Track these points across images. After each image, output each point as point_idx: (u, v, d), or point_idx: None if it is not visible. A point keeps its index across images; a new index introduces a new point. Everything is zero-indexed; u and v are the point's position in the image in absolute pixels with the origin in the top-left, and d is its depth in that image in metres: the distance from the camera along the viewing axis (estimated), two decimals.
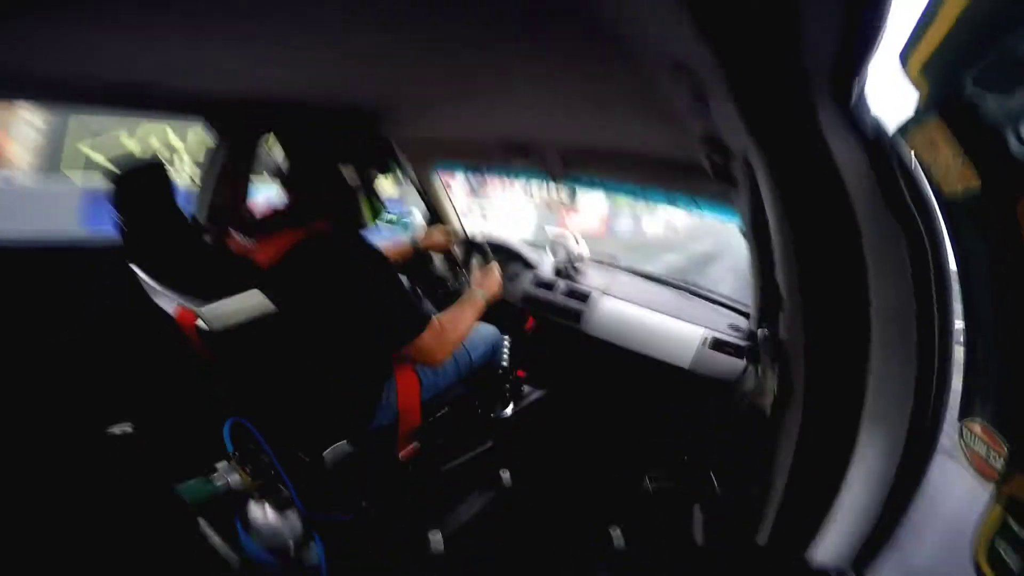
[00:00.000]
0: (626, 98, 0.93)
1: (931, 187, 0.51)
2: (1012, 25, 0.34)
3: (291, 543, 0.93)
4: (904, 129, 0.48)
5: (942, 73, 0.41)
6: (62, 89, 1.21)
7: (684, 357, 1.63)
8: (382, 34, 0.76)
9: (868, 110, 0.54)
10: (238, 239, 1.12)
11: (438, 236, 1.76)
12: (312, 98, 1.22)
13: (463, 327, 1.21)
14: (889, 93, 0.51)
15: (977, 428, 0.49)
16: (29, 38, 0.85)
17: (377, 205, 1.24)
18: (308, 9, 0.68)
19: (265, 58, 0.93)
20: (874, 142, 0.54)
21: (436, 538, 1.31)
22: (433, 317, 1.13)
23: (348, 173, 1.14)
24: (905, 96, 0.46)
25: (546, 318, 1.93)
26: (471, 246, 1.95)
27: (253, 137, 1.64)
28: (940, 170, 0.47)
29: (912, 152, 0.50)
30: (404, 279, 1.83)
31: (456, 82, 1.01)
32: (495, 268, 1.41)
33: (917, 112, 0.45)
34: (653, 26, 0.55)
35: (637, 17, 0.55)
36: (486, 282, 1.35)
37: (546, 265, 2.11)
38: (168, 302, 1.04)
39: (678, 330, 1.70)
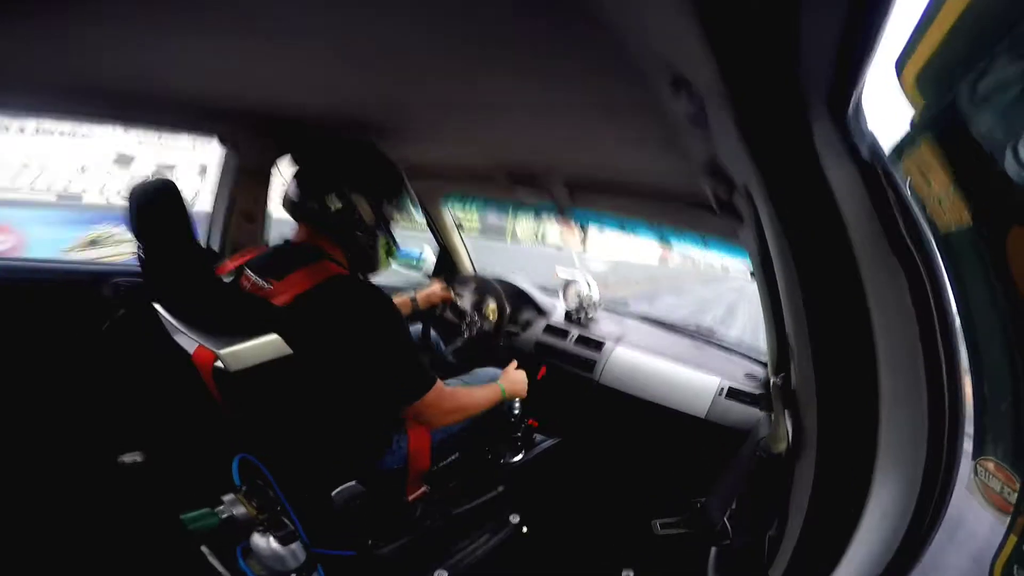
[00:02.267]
0: (632, 126, 0.96)
1: (926, 221, 0.52)
2: (1006, 38, 0.35)
3: (293, 575, 0.90)
4: (898, 153, 0.49)
5: (936, 86, 0.42)
6: (76, 103, 1.24)
7: (699, 407, 1.61)
8: (392, 53, 0.79)
9: (864, 129, 0.54)
10: (252, 279, 1.11)
11: (436, 291, 1.79)
12: (322, 116, 1.25)
13: (470, 404, 1.21)
14: (887, 110, 0.51)
15: (991, 466, 0.48)
16: (45, 52, 0.89)
17: (392, 245, 1.25)
18: (318, 26, 0.72)
19: (278, 74, 0.96)
20: (869, 167, 0.54)
21: None
22: (439, 381, 1.12)
23: (363, 208, 1.14)
24: (902, 113, 0.46)
25: (559, 367, 1.93)
26: (484, 291, 1.98)
27: (271, 159, 1.64)
28: (933, 203, 0.49)
29: (907, 181, 0.51)
30: (418, 328, 1.84)
31: (463, 105, 1.04)
32: (523, 374, 1.43)
33: (909, 134, 0.46)
34: (656, 40, 0.58)
35: (640, 29, 0.58)
36: (514, 379, 1.37)
37: (558, 311, 2.12)
38: (186, 340, 1.04)
39: (693, 380, 1.68)
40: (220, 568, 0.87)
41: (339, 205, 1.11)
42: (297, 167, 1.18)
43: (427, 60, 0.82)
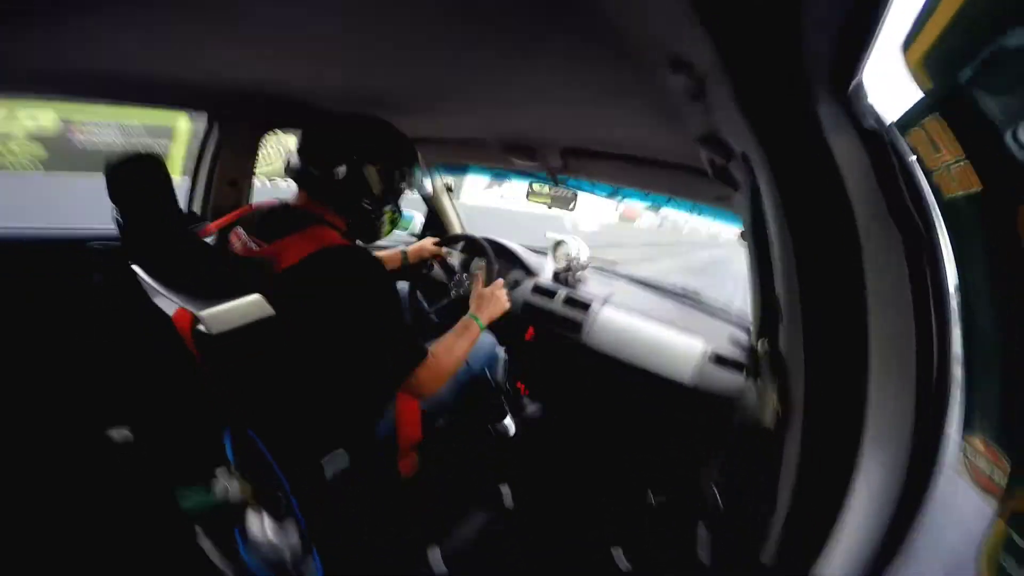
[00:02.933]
0: (627, 96, 0.93)
1: (931, 189, 0.50)
2: (1015, 17, 0.33)
3: (289, 558, 0.92)
4: (904, 125, 0.47)
5: (943, 66, 0.40)
6: (59, 81, 1.18)
7: (685, 372, 1.61)
8: (385, 26, 0.76)
9: (869, 103, 0.53)
10: (243, 238, 1.07)
11: (427, 246, 1.77)
12: (317, 92, 1.21)
13: (457, 358, 1.16)
14: (892, 85, 0.49)
15: (978, 444, 0.48)
16: (23, 30, 0.84)
17: (396, 215, 1.21)
18: (311, 2, 0.69)
19: (269, 49, 0.93)
20: (874, 138, 0.53)
21: (435, 556, 1.29)
22: (429, 350, 1.09)
23: (373, 178, 1.10)
24: (907, 89, 0.45)
25: (546, 328, 1.92)
26: (472, 249, 1.94)
27: (259, 132, 1.62)
28: (940, 171, 0.46)
29: (912, 151, 0.49)
30: (405, 287, 1.83)
31: (458, 77, 1.00)
32: (499, 287, 1.35)
33: (917, 108, 0.45)
34: (654, 18, 0.55)
35: (638, 9, 0.55)
36: (485, 305, 1.28)
37: (547, 271, 2.09)
38: (167, 303, 1.00)
39: (679, 343, 1.68)
40: (214, 552, 0.88)
41: (348, 174, 1.07)
42: (304, 133, 1.13)
43: (423, 37, 0.78)
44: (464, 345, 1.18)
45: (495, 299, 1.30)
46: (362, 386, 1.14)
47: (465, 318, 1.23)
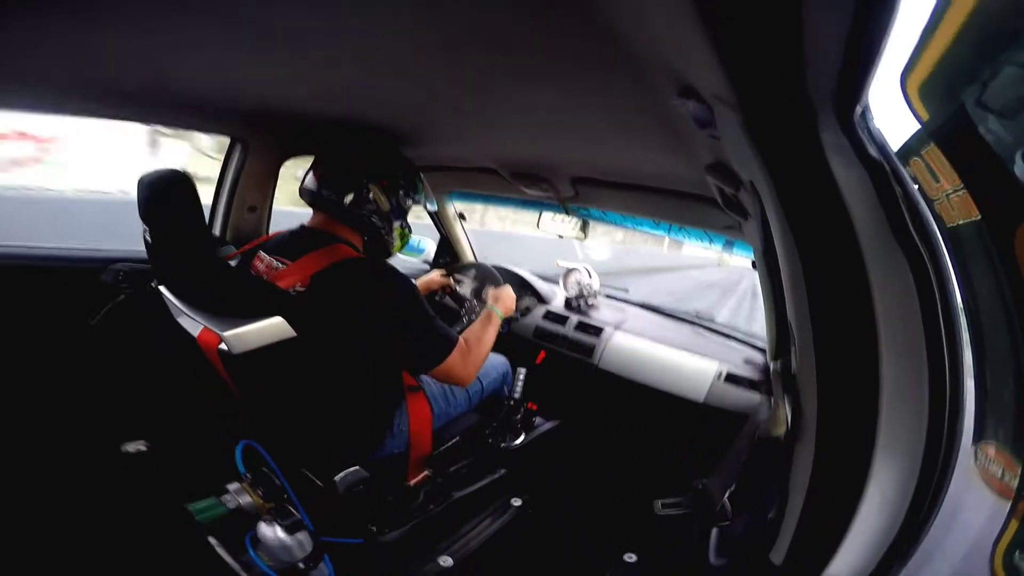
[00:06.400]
0: (637, 125, 0.96)
1: (933, 216, 0.52)
2: (1008, 47, 0.36)
3: (300, 564, 0.91)
4: (905, 154, 0.50)
5: (938, 96, 0.43)
6: (83, 98, 1.23)
7: (698, 391, 1.63)
8: (401, 55, 0.79)
9: (871, 132, 0.55)
10: (266, 260, 1.14)
11: (436, 278, 1.83)
12: (337, 116, 1.27)
13: (486, 345, 1.26)
14: (895, 114, 0.51)
15: (992, 450, 0.49)
16: (52, 45, 0.88)
17: (406, 231, 1.30)
18: (330, 27, 0.72)
19: (291, 74, 0.97)
20: (877, 167, 0.55)
21: (446, 563, 1.29)
22: (460, 337, 1.17)
23: (380, 196, 1.19)
24: (908, 118, 0.47)
25: (557, 352, 1.94)
26: (483, 276, 1.98)
27: (279, 158, 1.67)
28: (940, 200, 0.49)
29: (913, 180, 0.52)
30: None
31: (470, 105, 1.05)
32: (507, 287, 1.49)
33: (917, 137, 0.47)
34: (665, 47, 0.58)
35: (649, 38, 0.58)
36: (501, 299, 1.41)
37: (558, 299, 2.13)
38: (190, 323, 1.04)
39: (692, 365, 1.70)
40: (228, 559, 0.88)
41: (358, 194, 1.17)
42: (317, 158, 1.23)
43: (439, 68, 0.82)
44: (491, 332, 1.29)
45: (506, 293, 1.47)
46: (377, 390, 1.17)
47: (486, 310, 1.35)
